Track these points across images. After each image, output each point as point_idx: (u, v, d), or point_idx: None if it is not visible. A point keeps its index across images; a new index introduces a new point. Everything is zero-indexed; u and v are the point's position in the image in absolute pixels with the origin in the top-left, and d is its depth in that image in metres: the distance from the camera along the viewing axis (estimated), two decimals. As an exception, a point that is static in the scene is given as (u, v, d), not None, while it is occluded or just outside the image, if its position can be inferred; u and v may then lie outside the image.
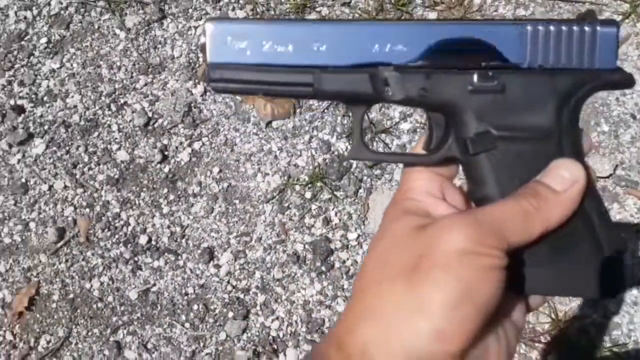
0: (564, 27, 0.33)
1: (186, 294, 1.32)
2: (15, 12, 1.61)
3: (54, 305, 1.34)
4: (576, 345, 1.18)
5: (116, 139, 1.46)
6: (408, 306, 0.28)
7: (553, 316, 1.21)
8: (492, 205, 0.33)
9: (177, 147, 1.44)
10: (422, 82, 0.33)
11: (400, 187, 0.37)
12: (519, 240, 0.31)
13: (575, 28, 0.33)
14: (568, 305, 1.22)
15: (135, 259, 1.35)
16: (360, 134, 0.36)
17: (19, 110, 1.50)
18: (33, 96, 1.52)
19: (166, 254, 1.35)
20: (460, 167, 0.37)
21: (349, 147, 1.41)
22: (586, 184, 0.33)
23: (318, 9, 1.52)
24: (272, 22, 0.35)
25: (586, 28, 0.33)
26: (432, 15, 1.51)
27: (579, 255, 0.34)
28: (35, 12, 1.61)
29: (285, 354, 1.25)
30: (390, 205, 0.36)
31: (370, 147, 0.39)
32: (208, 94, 1.49)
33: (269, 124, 1.43)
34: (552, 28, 0.33)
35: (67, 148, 1.46)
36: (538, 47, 0.33)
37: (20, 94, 1.53)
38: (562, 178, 0.32)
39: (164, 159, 1.43)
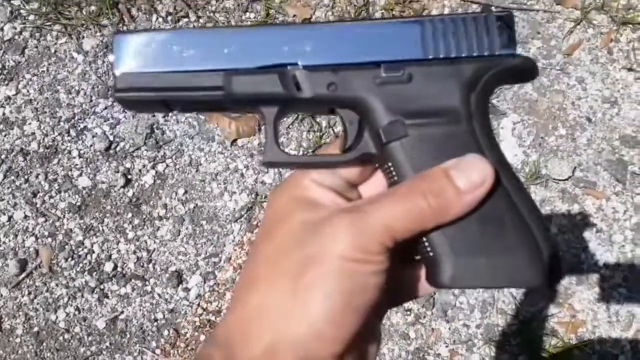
0: (461, 19, 0.36)
1: (156, 319, 1.29)
2: (-33, 40, 1.56)
3: (17, 340, 1.29)
4: (544, 345, 1.20)
5: (77, 165, 1.42)
6: (293, 311, 0.30)
7: (520, 318, 1.23)
8: (382, 200, 0.32)
9: (140, 170, 1.41)
10: (330, 78, 0.34)
11: (293, 174, 0.37)
12: (408, 236, 0.32)
13: (471, 18, 0.36)
14: (535, 307, 1.24)
15: (101, 286, 1.32)
16: (275, 136, 0.36)
17: (-26, 139, 1.46)
18: (-12, 125, 1.48)
19: (133, 280, 1.32)
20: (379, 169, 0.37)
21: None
22: (493, 182, 0.33)
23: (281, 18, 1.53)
24: (179, 30, 0.35)
25: (482, 18, 0.36)
26: None
27: (510, 242, 0.33)
28: (-13, 38, 1.56)
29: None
30: (281, 190, 0.36)
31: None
32: (170, 114, 1.48)
33: (234, 142, 1.43)
34: (450, 21, 0.36)
35: (26, 177, 1.42)
36: (439, 39, 0.35)
37: (-25, 123, 1.48)
38: (470, 178, 0.32)
39: (127, 182, 1.40)
